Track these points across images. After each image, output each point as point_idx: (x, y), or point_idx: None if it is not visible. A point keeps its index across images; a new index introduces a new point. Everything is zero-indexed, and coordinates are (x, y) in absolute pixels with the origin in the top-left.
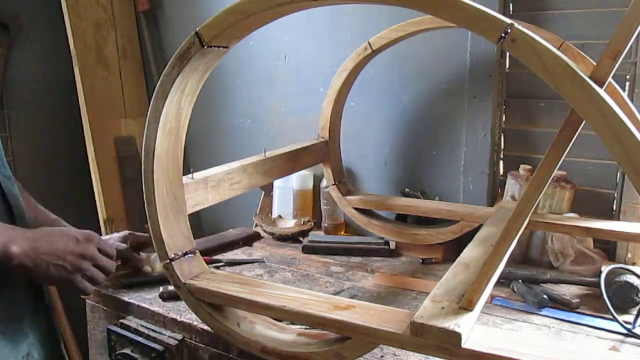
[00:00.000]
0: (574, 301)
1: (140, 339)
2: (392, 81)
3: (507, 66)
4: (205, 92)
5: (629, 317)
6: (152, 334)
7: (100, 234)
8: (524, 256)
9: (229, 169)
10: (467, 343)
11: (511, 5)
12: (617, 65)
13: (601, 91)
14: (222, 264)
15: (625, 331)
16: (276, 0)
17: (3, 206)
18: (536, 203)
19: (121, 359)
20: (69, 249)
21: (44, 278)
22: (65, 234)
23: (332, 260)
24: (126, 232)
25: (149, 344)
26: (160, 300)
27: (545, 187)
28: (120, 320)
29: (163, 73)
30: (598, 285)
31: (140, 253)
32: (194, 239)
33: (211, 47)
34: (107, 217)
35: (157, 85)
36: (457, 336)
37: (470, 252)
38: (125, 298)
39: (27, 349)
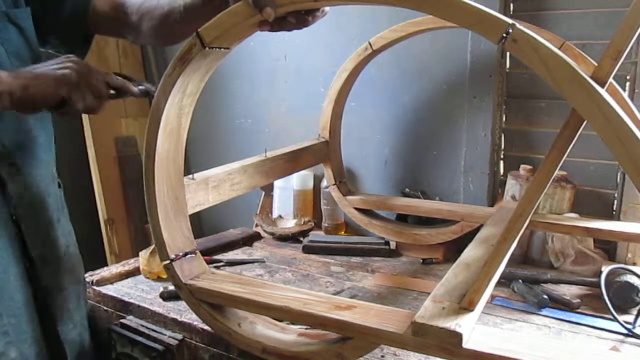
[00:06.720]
0: (574, 301)
1: (140, 338)
2: (392, 81)
3: (508, 66)
4: (206, 93)
5: (629, 317)
6: (152, 333)
7: (101, 235)
8: (524, 256)
9: (230, 169)
10: (468, 343)
11: (511, 5)
12: (618, 65)
13: (602, 91)
14: (222, 264)
15: (625, 331)
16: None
17: None
18: (537, 203)
19: (121, 359)
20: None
21: (40, 97)
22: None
23: (333, 260)
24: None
25: (149, 344)
26: (161, 300)
27: (547, 187)
28: (121, 320)
29: (164, 74)
30: (598, 285)
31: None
32: (195, 239)
33: (212, 48)
34: (107, 217)
35: (158, 86)
36: (458, 336)
37: (471, 252)
38: (126, 298)
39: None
